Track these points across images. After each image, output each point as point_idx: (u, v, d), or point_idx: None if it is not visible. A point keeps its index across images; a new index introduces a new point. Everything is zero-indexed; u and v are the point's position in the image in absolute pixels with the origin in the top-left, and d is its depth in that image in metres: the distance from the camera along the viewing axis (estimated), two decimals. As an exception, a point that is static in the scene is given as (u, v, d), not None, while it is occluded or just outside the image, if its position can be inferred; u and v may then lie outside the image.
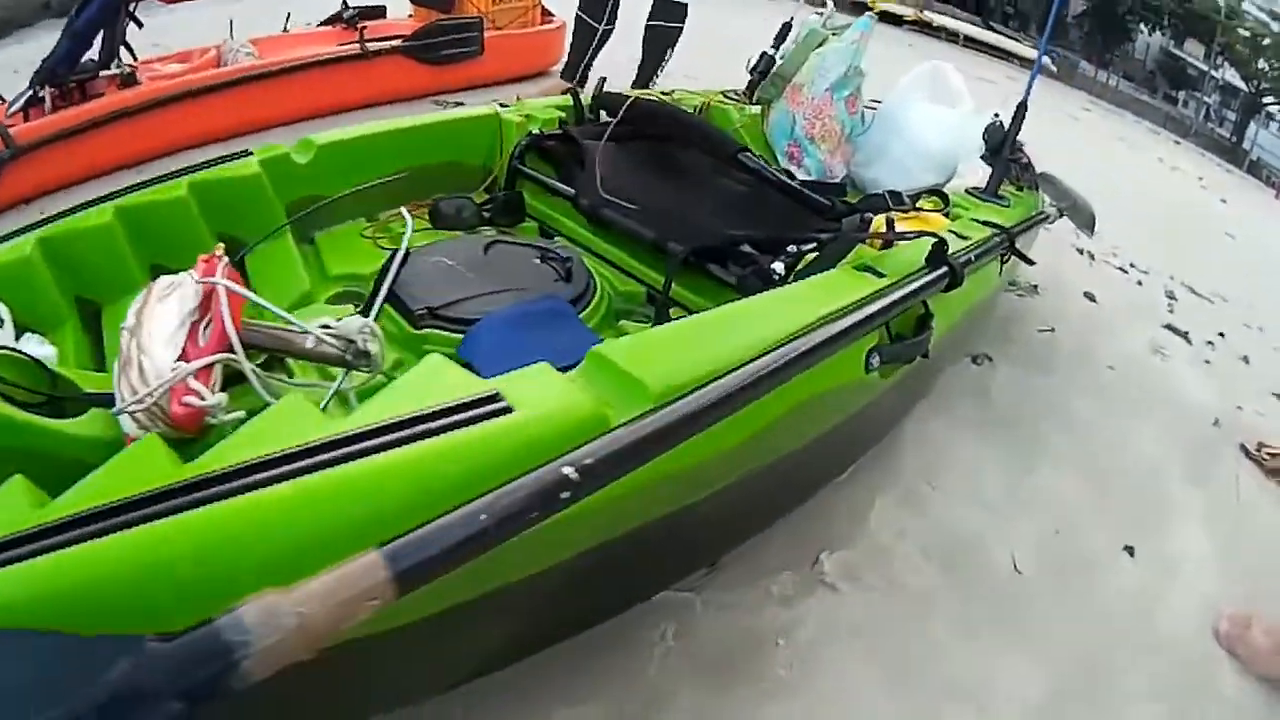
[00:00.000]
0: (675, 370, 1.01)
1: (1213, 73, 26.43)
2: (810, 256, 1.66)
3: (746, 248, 1.77)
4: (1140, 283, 4.22)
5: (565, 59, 4.28)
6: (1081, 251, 4.30)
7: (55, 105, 2.75)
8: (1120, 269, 4.33)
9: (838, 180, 2.58)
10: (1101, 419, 2.59)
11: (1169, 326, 3.60)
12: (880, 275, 1.48)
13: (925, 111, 2.58)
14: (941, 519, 1.97)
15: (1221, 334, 3.72)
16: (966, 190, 2.37)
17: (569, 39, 4.21)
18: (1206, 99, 25.40)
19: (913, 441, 2.21)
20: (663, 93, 2.74)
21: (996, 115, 2.44)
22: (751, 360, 1.07)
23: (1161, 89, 26.97)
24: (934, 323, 1.64)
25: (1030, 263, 2.34)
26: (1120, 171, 8.54)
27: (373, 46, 3.64)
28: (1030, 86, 2.38)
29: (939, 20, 18.83)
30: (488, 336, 1.47)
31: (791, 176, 2.43)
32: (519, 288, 1.62)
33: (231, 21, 3.54)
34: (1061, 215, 2.70)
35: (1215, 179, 11.10)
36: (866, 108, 2.69)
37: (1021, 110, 2.35)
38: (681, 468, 1.06)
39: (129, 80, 2.97)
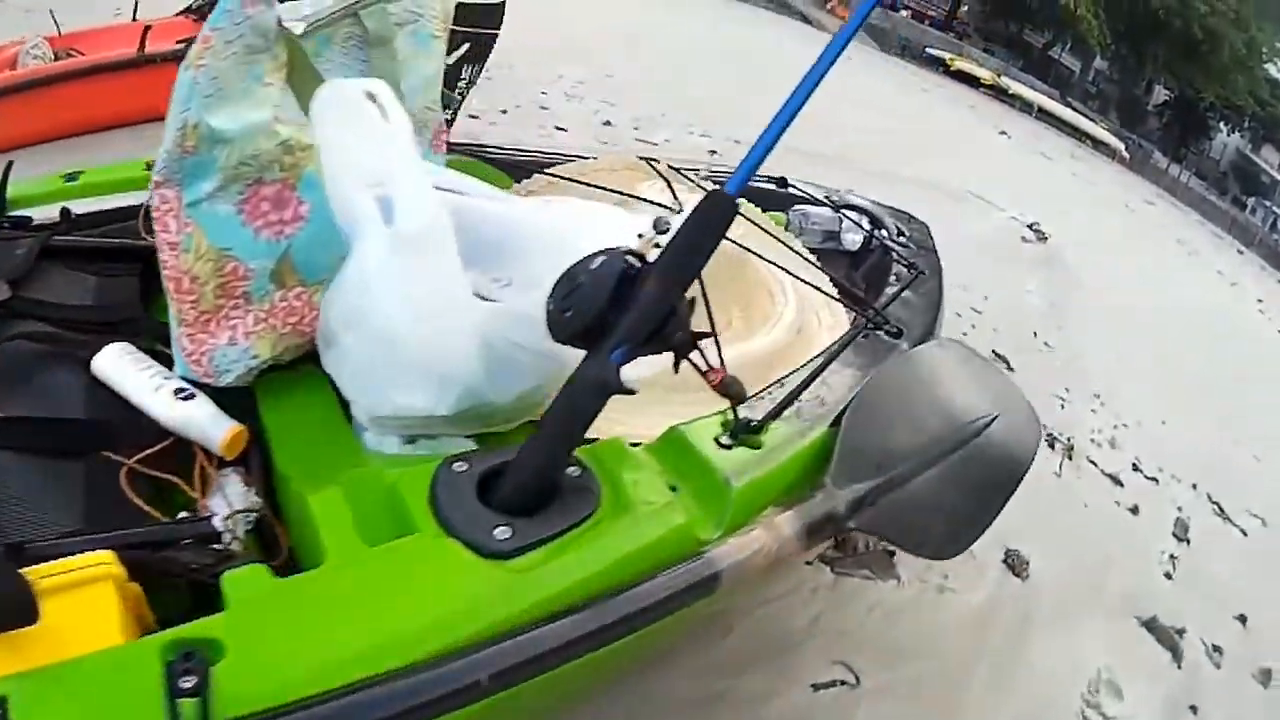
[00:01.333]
0: None
1: (1287, 183, 23.99)
2: None
3: None
4: (1136, 509, 2.51)
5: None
6: (1054, 441, 2.59)
7: None
8: (1112, 477, 2.63)
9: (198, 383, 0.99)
10: None
11: (1150, 625, 1.95)
12: None
13: (373, 216, 0.93)
14: None
15: (1243, 617, 2.19)
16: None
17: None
18: (1277, 209, 22.74)
19: None
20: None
21: (646, 237, 0.91)
22: None
23: (1232, 192, 24.60)
24: None
25: None
26: (1171, 282, 6.92)
27: (154, 51, 2.86)
28: (777, 136, 0.79)
29: (1015, 88, 17.38)
30: None
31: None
32: None
33: (52, 11, 2.97)
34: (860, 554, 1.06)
35: (1277, 301, 9.01)
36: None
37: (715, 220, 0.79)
38: None
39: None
